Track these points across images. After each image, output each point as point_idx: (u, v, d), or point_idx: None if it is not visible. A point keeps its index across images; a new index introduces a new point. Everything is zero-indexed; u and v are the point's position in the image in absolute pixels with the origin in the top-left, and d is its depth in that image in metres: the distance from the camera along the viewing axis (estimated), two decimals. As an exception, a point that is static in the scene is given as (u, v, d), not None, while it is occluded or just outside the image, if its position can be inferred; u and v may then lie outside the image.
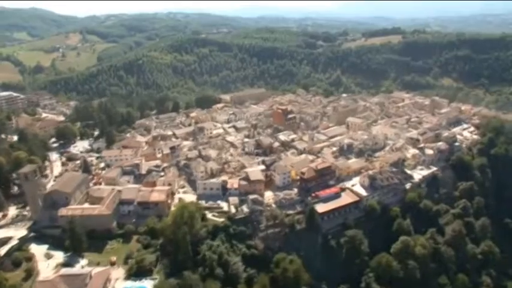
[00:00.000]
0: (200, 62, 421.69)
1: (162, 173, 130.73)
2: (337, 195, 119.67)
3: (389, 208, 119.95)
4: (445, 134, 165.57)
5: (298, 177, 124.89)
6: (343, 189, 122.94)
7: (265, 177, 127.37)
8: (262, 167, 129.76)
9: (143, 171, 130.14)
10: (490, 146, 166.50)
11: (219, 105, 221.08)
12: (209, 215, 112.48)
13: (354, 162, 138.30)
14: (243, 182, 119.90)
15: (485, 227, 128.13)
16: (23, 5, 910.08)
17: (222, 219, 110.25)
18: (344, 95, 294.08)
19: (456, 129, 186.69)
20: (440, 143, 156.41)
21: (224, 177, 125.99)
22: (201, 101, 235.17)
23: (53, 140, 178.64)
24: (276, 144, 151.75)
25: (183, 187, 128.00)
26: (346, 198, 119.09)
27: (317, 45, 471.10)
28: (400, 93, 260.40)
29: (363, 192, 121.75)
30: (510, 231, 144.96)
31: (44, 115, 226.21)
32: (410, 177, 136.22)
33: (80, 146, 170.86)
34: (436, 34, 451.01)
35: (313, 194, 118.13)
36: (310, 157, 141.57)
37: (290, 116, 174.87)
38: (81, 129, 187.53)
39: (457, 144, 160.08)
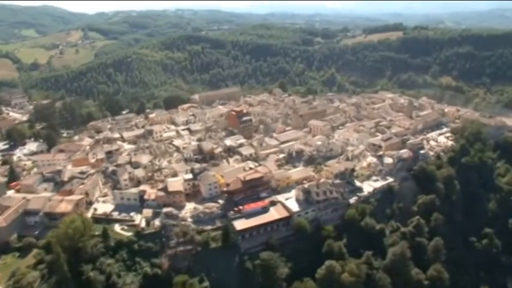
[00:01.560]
0: (191, 60, 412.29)
1: (86, 181, 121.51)
2: (264, 210, 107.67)
3: (322, 227, 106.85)
4: (411, 140, 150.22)
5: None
6: (273, 203, 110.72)
7: (193, 187, 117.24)
8: (190, 175, 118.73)
9: (65, 178, 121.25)
10: (462, 153, 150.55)
11: (185, 106, 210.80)
12: (118, 229, 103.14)
13: (296, 171, 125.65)
14: (161, 193, 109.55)
15: (438, 249, 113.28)
16: (34, 3, 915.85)
17: (129, 234, 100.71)
18: (330, 93, 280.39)
19: (432, 134, 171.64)
20: (403, 151, 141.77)
21: (144, 187, 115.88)
22: (169, 101, 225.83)
23: (5, 142, 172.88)
24: (219, 149, 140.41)
25: (105, 196, 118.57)
26: (273, 214, 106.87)
27: (314, 42, 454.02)
28: (384, 93, 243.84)
29: (295, 207, 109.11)
30: (476, 251, 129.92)
31: (11, 114, 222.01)
32: (359, 189, 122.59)
33: (27, 149, 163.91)
34: (440, 31, 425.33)
35: (235, 208, 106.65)
36: (252, 165, 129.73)
37: (245, 118, 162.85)
38: (35, 131, 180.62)
39: (422, 151, 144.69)
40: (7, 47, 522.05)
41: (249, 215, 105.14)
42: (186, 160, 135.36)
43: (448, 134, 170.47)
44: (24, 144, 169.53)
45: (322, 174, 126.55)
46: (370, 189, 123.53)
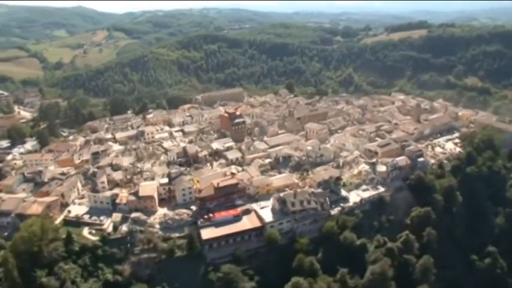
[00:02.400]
0: (207, 59, 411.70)
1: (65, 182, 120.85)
2: (236, 219, 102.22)
3: (296, 239, 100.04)
4: (412, 146, 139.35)
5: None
6: (248, 212, 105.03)
7: (169, 191, 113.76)
8: (166, 179, 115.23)
9: (46, 179, 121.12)
10: (468, 162, 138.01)
11: (186, 106, 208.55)
12: (86, 232, 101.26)
13: (277, 178, 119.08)
14: (132, 197, 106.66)
15: (427, 268, 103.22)
16: (67, 4, 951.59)
17: (96, 238, 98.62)
18: (344, 94, 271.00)
19: (440, 140, 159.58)
20: (400, 158, 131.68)
21: (122, 190, 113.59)
22: (172, 101, 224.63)
23: (8, 140, 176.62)
24: (204, 153, 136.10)
25: (82, 198, 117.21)
26: (245, 224, 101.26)
27: (334, 41, 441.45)
28: (396, 95, 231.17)
29: (269, 217, 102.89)
30: (477, 271, 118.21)
31: (22, 113, 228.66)
32: (344, 199, 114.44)
33: (24, 148, 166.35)
34: (467, 28, 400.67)
35: (205, 216, 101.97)
36: (234, 170, 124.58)
37: (237, 120, 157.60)
38: (36, 130, 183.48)
39: (421, 159, 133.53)
40: (36, 46, 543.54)
41: (218, 224, 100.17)
42: (170, 163, 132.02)
43: (457, 140, 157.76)
44: (24, 143, 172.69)
45: (306, 181, 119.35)
46: (357, 199, 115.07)
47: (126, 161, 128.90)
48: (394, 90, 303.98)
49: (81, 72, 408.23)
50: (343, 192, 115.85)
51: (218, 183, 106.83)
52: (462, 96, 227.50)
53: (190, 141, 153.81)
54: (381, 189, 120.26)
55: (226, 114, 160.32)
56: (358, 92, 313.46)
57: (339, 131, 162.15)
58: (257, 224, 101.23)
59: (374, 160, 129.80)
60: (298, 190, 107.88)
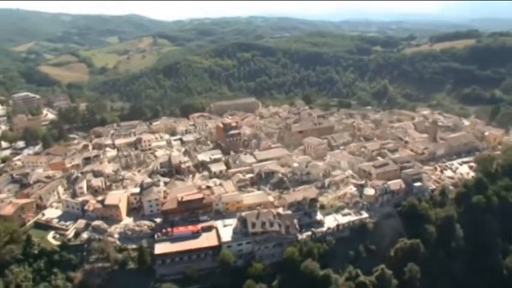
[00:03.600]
0: (239, 67, 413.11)
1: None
2: (194, 235, 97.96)
3: (251, 263, 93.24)
4: (410, 169, 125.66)
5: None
6: (208, 229, 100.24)
7: (139, 201, 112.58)
8: (137, 189, 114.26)
9: (31, 181, 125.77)
10: (478, 190, 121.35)
11: (196, 115, 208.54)
12: (50, 237, 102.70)
13: (249, 195, 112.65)
14: (98, 205, 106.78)
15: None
16: (122, 12, 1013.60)
17: (57, 243, 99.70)
18: (369, 107, 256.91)
19: (454, 162, 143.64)
20: (392, 181, 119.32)
21: (88, 197, 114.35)
22: (185, 109, 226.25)
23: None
24: (188, 163, 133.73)
25: (59, 202, 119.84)
26: (202, 241, 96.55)
27: (372, 50, 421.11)
28: (421, 110, 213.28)
29: (227, 237, 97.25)
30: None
31: (49, 115, 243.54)
32: (318, 223, 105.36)
33: (35, 149, 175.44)
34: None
35: (163, 230, 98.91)
36: (212, 183, 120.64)
37: (232, 132, 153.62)
38: (45, 133, 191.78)
39: (418, 184, 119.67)
40: (86, 52, 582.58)
41: (175, 239, 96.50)
42: (152, 172, 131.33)
43: (473, 164, 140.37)
44: (36, 144, 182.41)
45: (283, 201, 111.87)
46: (334, 224, 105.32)
47: (109, 168, 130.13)
48: (429, 104, 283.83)
49: (119, 77, 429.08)
50: (319, 216, 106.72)
51: (182, 197, 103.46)
52: (496, 112, 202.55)
53: (186, 151, 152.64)
54: (365, 214, 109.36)
55: (221, 125, 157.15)
56: (392, 105, 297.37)
57: (341, 147, 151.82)
58: (215, 242, 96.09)
59: (363, 182, 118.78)
60: (264, 210, 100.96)
